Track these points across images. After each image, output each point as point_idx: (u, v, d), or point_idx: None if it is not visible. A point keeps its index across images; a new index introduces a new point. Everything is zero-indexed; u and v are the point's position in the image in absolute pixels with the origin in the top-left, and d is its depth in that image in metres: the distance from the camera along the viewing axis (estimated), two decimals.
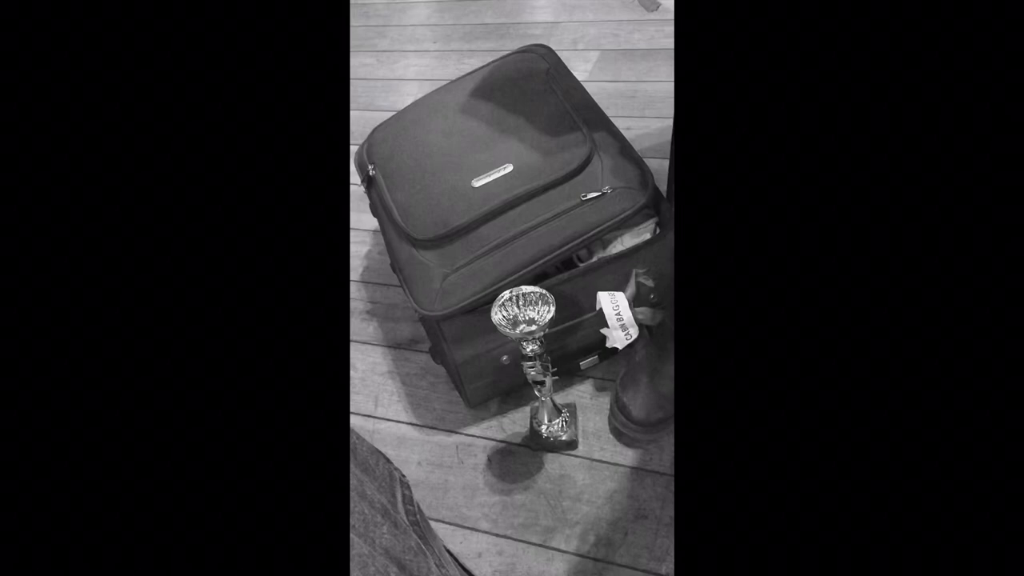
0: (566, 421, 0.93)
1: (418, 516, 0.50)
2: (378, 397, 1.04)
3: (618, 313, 0.83)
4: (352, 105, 1.55)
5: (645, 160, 0.96)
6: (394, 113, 1.13)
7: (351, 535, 0.42)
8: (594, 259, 0.92)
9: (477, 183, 0.95)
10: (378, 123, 1.13)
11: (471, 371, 0.93)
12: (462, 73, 1.30)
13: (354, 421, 1.01)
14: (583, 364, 1.00)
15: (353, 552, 0.41)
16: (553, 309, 0.79)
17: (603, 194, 0.90)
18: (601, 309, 0.85)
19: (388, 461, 0.52)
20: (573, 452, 0.92)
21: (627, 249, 0.91)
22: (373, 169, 1.03)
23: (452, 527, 0.88)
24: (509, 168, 0.95)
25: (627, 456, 0.91)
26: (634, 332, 0.84)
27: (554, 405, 0.92)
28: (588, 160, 0.94)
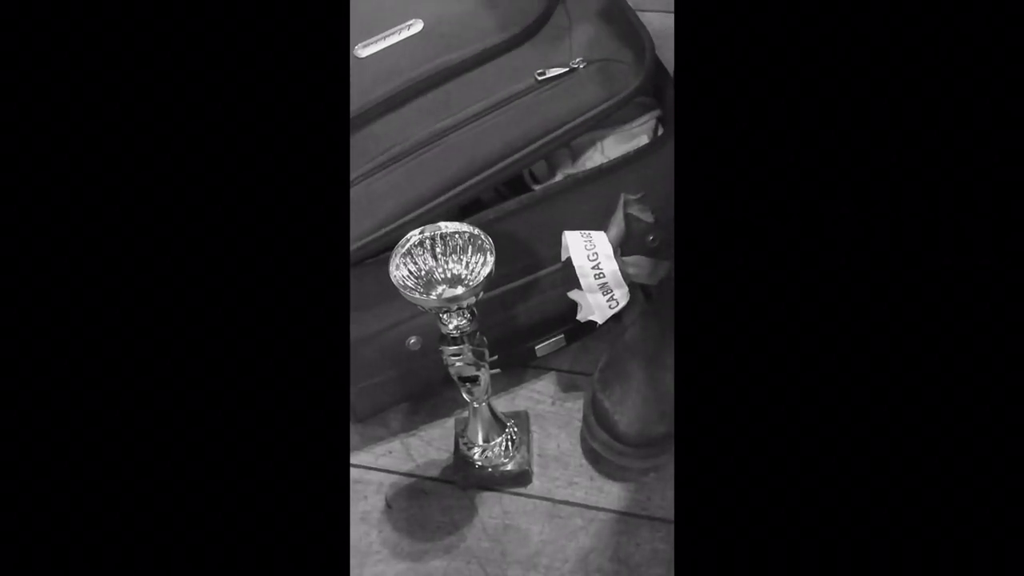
0: (512, 441, 0.81)
1: None
2: None
3: (596, 266, 0.74)
4: None
5: (642, 16, 0.86)
6: None
7: None
8: (558, 177, 0.83)
9: (364, 51, 0.85)
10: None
11: (357, 363, 0.81)
12: None
13: None
14: (540, 349, 0.88)
15: None
16: (492, 260, 0.69)
17: (572, 70, 0.82)
18: (569, 259, 0.75)
19: None
20: (524, 490, 0.82)
21: (611, 162, 0.81)
22: None
23: None
24: (418, 26, 0.86)
25: (610, 495, 0.80)
26: (622, 296, 0.76)
27: (493, 416, 0.80)
28: (548, 13, 0.85)
